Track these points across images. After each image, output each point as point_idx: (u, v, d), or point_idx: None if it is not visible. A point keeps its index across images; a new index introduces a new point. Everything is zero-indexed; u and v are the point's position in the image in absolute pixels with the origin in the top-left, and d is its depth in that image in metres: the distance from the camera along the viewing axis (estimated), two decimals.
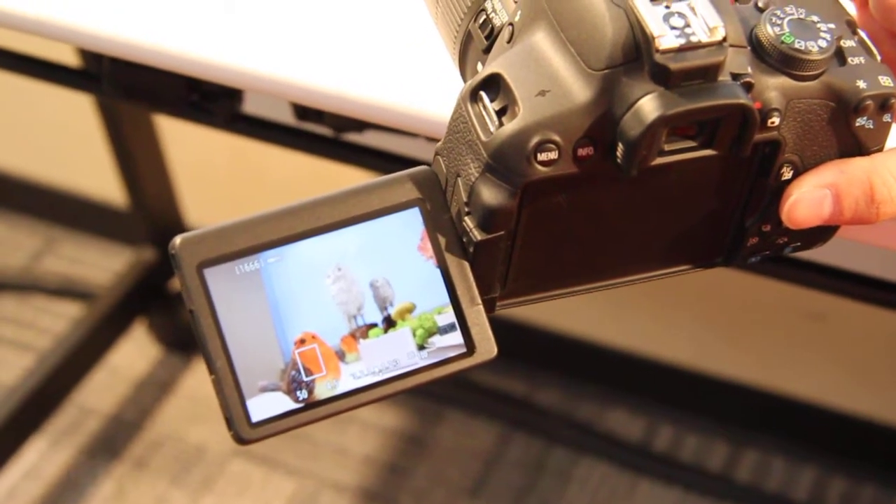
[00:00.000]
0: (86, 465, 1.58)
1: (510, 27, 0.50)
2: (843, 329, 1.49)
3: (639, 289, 1.54)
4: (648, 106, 0.44)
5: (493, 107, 0.47)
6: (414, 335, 0.48)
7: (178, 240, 0.46)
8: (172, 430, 1.61)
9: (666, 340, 1.61)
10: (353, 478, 1.57)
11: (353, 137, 0.94)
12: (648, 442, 1.61)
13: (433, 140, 0.66)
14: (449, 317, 0.48)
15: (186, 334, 1.70)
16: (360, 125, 0.90)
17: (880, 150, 0.50)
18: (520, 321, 1.63)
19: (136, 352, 1.72)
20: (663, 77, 0.44)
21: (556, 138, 0.45)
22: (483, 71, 0.48)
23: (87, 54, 1.23)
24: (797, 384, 1.57)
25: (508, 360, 1.65)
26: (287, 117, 0.94)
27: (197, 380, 1.67)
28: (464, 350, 0.49)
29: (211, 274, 0.46)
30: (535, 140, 0.45)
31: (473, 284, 0.49)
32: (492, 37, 0.52)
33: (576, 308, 1.63)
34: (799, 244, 0.54)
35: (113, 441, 1.61)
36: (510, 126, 0.46)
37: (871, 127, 0.49)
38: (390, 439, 1.61)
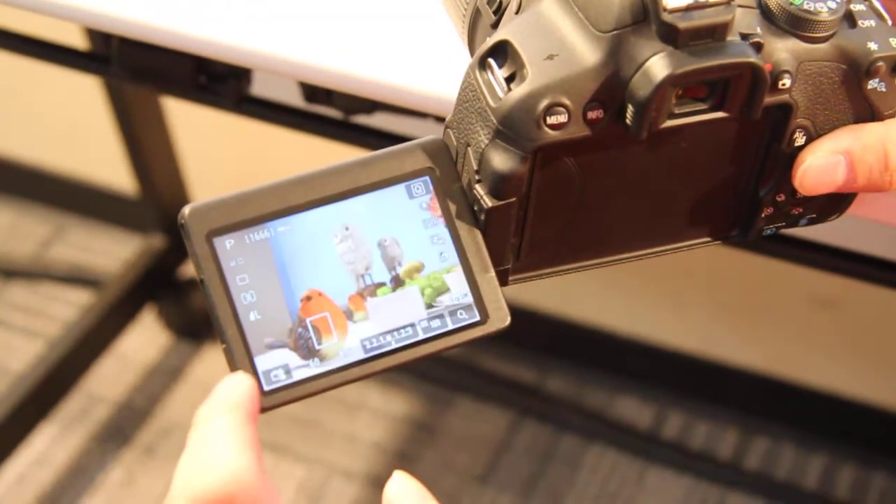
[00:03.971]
0: (95, 452, 1.58)
1: None
2: (853, 316, 1.48)
3: (648, 275, 1.54)
4: (657, 65, 0.44)
5: (501, 73, 0.47)
6: (422, 294, 0.48)
7: (187, 210, 0.46)
8: (182, 417, 1.61)
9: (676, 328, 1.61)
10: (363, 465, 1.57)
11: (363, 119, 0.94)
12: (658, 429, 1.61)
13: (442, 120, 0.66)
14: (458, 276, 0.48)
15: (196, 321, 1.71)
16: (369, 107, 0.90)
17: (894, 114, 0.50)
18: (530, 308, 1.63)
19: (145, 339, 1.72)
20: (671, 36, 0.44)
21: (566, 101, 0.45)
22: (491, 38, 0.48)
23: (95, 38, 1.24)
24: (807, 372, 1.56)
25: (518, 348, 1.66)
26: (296, 100, 0.94)
27: (206, 367, 1.67)
28: (477, 318, 0.48)
29: (220, 243, 0.46)
30: (544, 103, 0.45)
31: (486, 253, 0.48)
32: (500, 11, 0.52)
33: (586, 295, 1.63)
34: (814, 216, 0.54)
35: (122, 428, 1.61)
36: (519, 90, 0.45)
37: (884, 90, 0.49)
38: (399, 426, 1.61)
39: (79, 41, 1.27)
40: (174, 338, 1.72)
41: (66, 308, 1.76)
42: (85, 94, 1.62)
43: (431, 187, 0.48)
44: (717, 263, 1.50)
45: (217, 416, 0.43)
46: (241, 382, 0.44)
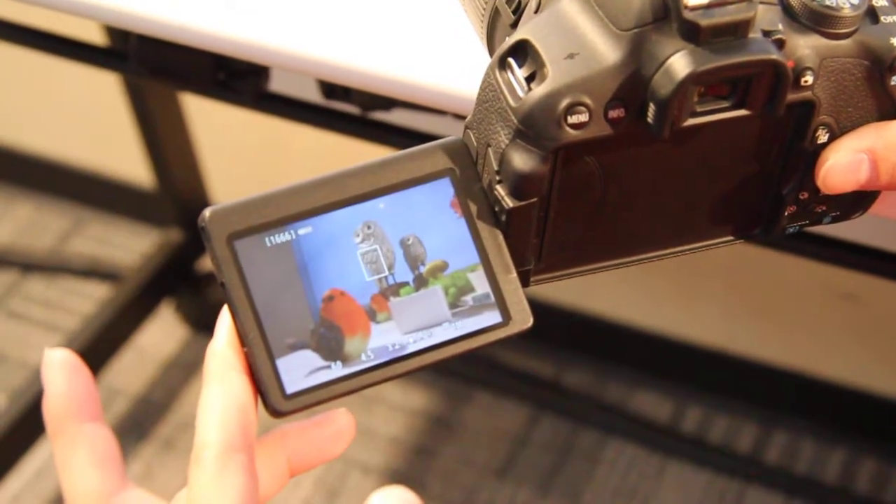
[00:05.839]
0: None
1: None
2: (874, 310, 1.47)
3: (667, 269, 1.54)
4: (679, 63, 0.44)
5: (521, 73, 0.46)
6: (446, 293, 0.47)
7: (207, 212, 0.45)
8: None
9: (695, 322, 1.60)
10: (381, 459, 1.57)
11: (381, 116, 0.94)
12: (677, 424, 1.61)
13: (460, 117, 0.66)
14: (480, 276, 0.48)
15: (214, 315, 1.70)
16: (388, 103, 0.90)
17: None
18: (548, 302, 1.63)
19: (163, 333, 1.72)
20: (693, 34, 0.44)
21: (587, 100, 0.45)
22: (511, 38, 0.47)
23: (114, 34, 1.24)
24: (827, 365, 1.56)
25: (537, 342, 1.66)
26: (314, 96, 0.94)
27: None
28: (499, 320, 0.48)
29: (241, 246, 0.46)
30: (564, 102, 0.45)
31: (507, 253, 0.48)
32: (519, 10, 0.51)
33: (604, 289, 1.63)
34: (837, 213, 0.53)
35: (141, 422, 1.62)
36: (539, 90, 0.45)
37: None
38: (418, 421, 1.61)
39: (98, 37, 1.27)
40: (192, 331, 1.72)
41: (84, 302, 1.76)
42: (104, 88, 1.63)
43: (452, 188, 0.48)
44: (735, 257, 1.49)
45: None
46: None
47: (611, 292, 1.63)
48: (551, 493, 1.53)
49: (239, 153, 1.70)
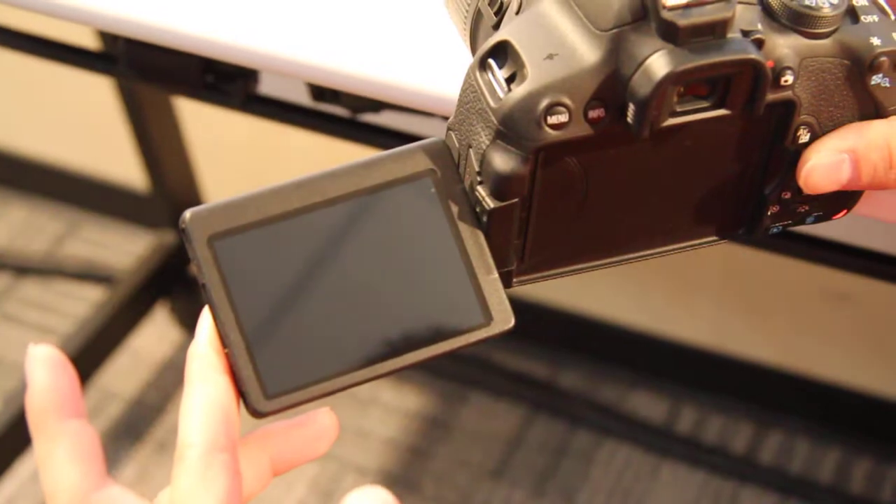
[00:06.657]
0: (108, 449, 1.59)
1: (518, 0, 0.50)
2: (867, 309, 1.47)
3: (661, 270, 1.54)
4: (657, 63, 0.44)
5: (501, 74, 0.46)
6: (427, 295, 0.47)
7: (188, 214, 0.46)
8: None
9: (689, 322, 1.60)
10: (376, 461, 1.57)
11: (370, 118, 0.94)
12: (672, 424, 1.61)
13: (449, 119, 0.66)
14: (461, 278, 0.48)
15: None
16: (377, 106, 0.89)
17: None
18: (542, 303, 1.62)
19: (157, 335, 1.72)
20: (671, 34, 0.44)
21: (566, 101, 0.45)
22: (491, 39, 0.47)
23: (105, 37, 1.24)
24: (821, 365, 1.56)
25: (531, 343, 1.66)
26: (303, 98, 0.93)
27: None
28: (480, 320, 0.48)
29: (222, 247, 0.46)
30: (544, 103, 0.45)
31: (489, 254, 0.48)
32: (501, 12, 0.52)
33: (598, 290, 1.62)
34: (821, 213, 0.53)
35: (135, 424, 1.62)
36: (519, 90, 0.45)
37: (888, 85, 0.48)
38: (412, 422, 1.61)
39: (90, 41, 1.27)
40: (186, 334, 1.72)
41: (78, 304, 1.76)
42: (98, 91, 1.63)
43: (433, 189, 0.48)
44: (730, 257, 1.49)
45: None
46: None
47: (605, 293, 1.63)
48: (546, 493, 1.53)
49: (232, 156, 1.70)
